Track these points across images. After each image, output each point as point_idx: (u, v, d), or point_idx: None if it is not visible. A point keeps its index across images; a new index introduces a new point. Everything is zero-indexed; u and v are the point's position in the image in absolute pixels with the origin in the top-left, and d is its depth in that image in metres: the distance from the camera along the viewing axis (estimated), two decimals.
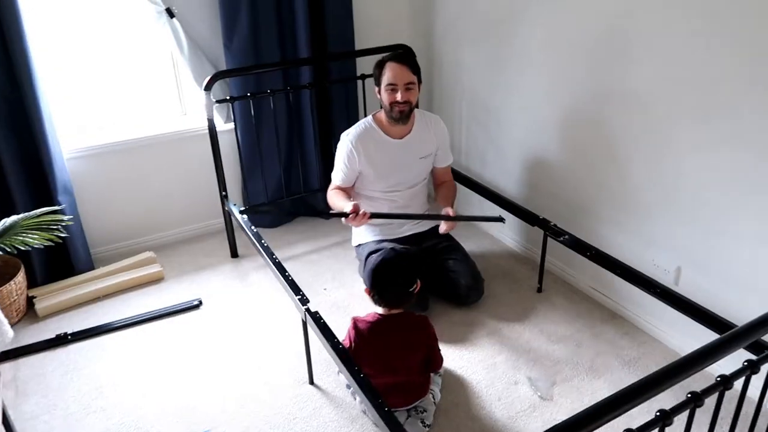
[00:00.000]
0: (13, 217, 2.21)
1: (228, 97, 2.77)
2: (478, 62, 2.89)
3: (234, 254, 2.99)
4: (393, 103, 2.36)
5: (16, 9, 2.28)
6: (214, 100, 2.67)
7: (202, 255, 3.01)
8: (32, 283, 2.65)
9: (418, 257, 1.85)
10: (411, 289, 1.85)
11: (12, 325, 2.44)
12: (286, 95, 2.92)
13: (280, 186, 3.12)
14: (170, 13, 2.66)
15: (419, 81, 2.42)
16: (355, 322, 1.88)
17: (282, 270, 2.22)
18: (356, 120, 2.71)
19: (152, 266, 2.83)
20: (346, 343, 1.86)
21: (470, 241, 2.97)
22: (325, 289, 2.67)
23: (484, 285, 2.53)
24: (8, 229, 2.13)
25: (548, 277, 2.67)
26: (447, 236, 2.60)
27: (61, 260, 2.70)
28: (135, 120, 2.94)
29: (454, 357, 2.23)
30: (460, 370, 2.17)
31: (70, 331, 2.42)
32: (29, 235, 2.15)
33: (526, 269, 2.78)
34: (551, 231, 2.41)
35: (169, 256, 2.97)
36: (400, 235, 2.55)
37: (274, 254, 2.33)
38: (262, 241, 2.44)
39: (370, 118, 2.51)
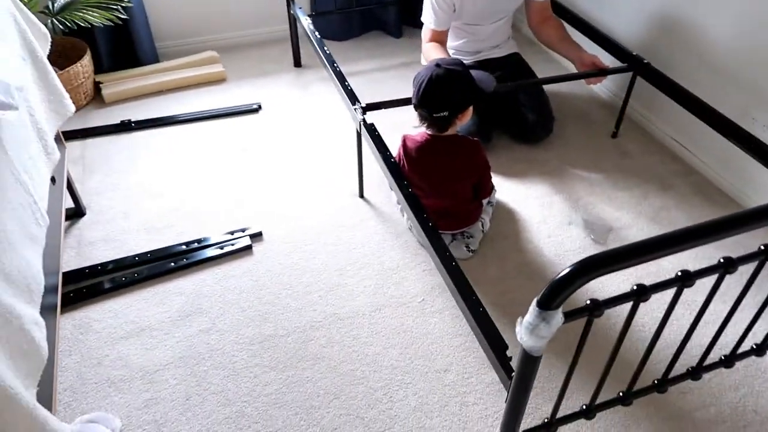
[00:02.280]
0: None
1: None
2: None
3: (297, 63, 2.88)
4: None
5: None
6: None
7: (264, 61, 2.92)
8: (98, 69, 2.66)
9: (472, 81, 1.65)
10: (454, 114, 1.69)
11: (79, 107, 2.50)
12: None
13: None
14: None
15: None
16: (405, 139, 1.79)
17: (342, 79, 2.11)
18: None
19: (215, 66, 2.78)
20: (396, 159, 1.79)
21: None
22: None
23: (554, 124, 2.36)
24: (68, 5, 2.07)
25: (627, 124, 2.45)
26: (522, 66, 2.38)
27: (127, 49, 2.67)
28: None
29: (509, 190, 2.14)
30: (514, 204, 2.09)
31: (134, 119, 2.46)
32: (89, 13, 2.10)
33: (604, 113, 2.56)
34: (643, 69, 2.14)
35: (231, 59, 2.90)
36: (475, 59, 2.34)
37: (335, 63, 2.21)
38: (325, 49, 2.30)
39: None
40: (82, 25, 2.10)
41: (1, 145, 1.22)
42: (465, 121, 1.75)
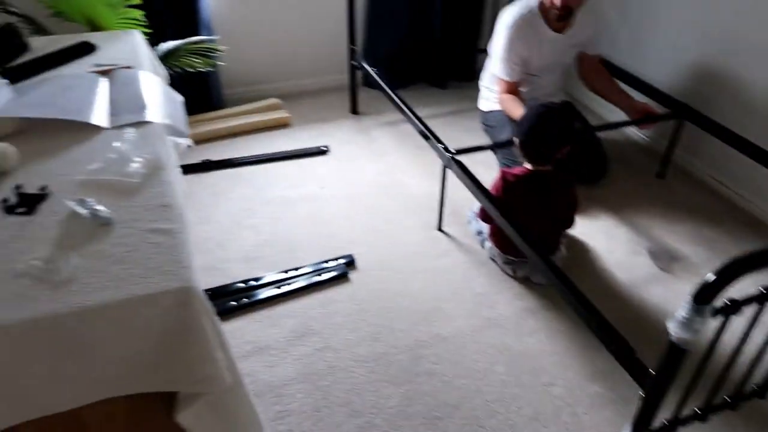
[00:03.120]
0: (175, 42, 2.33)
1: None
2: None
3: (354, 111, 3.08)
4: (552, 5, 2.21)
5: None
6: None
7: (323, 108, 3.12)
8: None
9: (573, 121, 1.86)
10: (557, 150, 1.89)
11: None
12: None
13: (401, 47, 3.14)
14: None
15: None
16: (504, 174, 1.96)
17: (421, 121, 2.30)
18: None
19: (280, 111, 2.96)
20: (492, 192, 1.96)
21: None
22: None
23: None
24: (173, 52, 2.25)
25: (670, 165, 2.68)
26: (575, 112, 2.61)
27: (200, 95, 2.84)
28: None
29: (576, 224, 2.32)
30: (582, 236, 2.26)
31: (212, 159, 2.61)
32: (192, 59, 2.28)
33: (645, 156, 2.79)
34: (692, 114, 2.37)
35: (291, 105, 3.09)
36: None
37: (411, 107, 2.41)
38: (397, 93, 2.51)
39: (535, 5, 2.29)
40: (189, 70, 2.28)
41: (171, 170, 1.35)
42: (564, 157, 1.93)
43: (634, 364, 1.36)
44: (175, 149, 1.40)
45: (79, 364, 0.87)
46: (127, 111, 1.33)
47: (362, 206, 2.39)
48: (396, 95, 2.50)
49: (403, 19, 3.06)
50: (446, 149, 2.10)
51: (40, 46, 1.69)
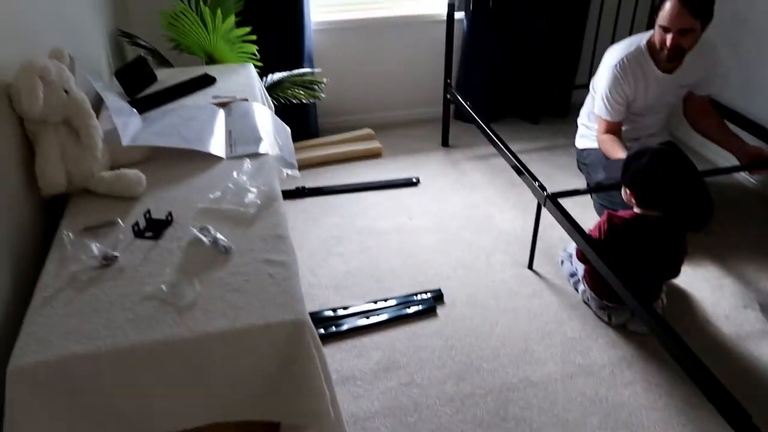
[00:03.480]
0: (282, 74, 2.45)
1: None
2: None
3: (445, 143, 3.10)
4: (662, 45, 2.12)
5: None
6: None
7: (414, 139, 3.16)
8: None
9: (683, 157, 1.77)
10: (675, 193, 1.80)
11: None
12: None
13: (495, 82, 3.14)
14: None
15: (705, 21, 2.05)
16: (611, 216, 1.89)
17: (515, 156, 2.28)
18: (598, 26, 2.57)
19: (372, 142, 3.03)
20: (594, 234, 1.90)
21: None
22: None
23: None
24: (279, 83, 2.37)
25: None
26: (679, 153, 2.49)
27: (297, 123, 2.95)
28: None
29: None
30: (684, 284, 2.14)
31: (306, 186, 2.70)
32: (296, 91, 2.39)
33: (755, 202, 2.61)
34: None
35: (384, 136, 3.15)
36: (633, 145, 2.48)
37: (507, 145, 2.39)
38: (490, 126, 2.50)
39: (643, 41, 2.22)
40: (294, 101, 2.39)
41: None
42: (673, 202, 1.84)
43: (749, 430, 1.26)
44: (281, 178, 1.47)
45: (194, 388, 0.92)
46: (244, 142, 1.41)
47: (451, 240, 2.38)
48: (489, 128, 2.49)
49: (499, 53, 3.06)
50: (542, 187, 2.07)
51: (165, 77, 1.84)
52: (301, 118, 2.95)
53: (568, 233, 1.94)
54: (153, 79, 1.79)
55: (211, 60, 2.11)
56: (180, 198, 1.21)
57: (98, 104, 1.56)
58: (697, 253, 2.30)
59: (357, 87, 3.15)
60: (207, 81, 1.77)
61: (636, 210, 1.87)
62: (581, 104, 2.62)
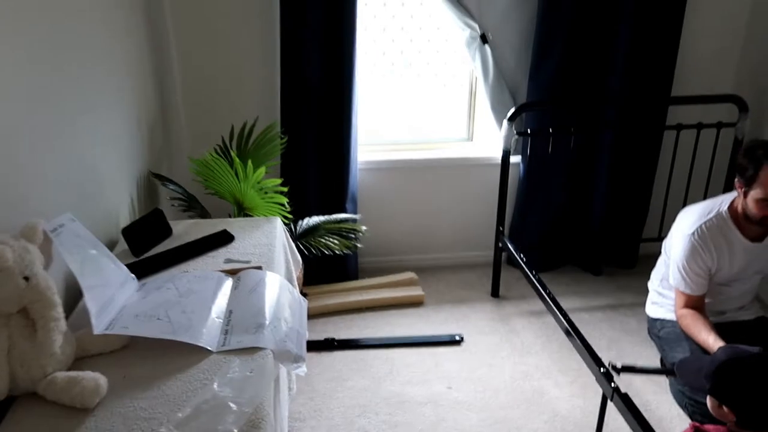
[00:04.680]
0: (316, 218, 2.29)
1: (528, 131, 2.60)
2: None
3: (495, 293, 2.80)
4: (764, 218, 1.86)
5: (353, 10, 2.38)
6: (515, 131, 2.51)
7: (460, 286, 2.88)
8: (306, 279, 2.75)
9: None
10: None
11: None
12: (583, 135, 2.67)
13: (554, 229, 2.88)
14: (484, 39, 2.60)
15: None
16: (698, 431, 1.50)
17: (576, 331, 1.96)
18: (670, 176, 2.32)
19: (414, 288, 2.78)
20: None
21: None
22: None
23: None
24: (312, 230, 2.20)
25: None
26: None
27: (333, 264, 2.76)
28: (422, 138, 2.94)
29: None
30: None
31: (336, 337, 2.44)
32: (330, 240, 2.20)
33: None
34: None
35: (427, 280, 2.90)
36: (718, 320, 2.10)
37: (564, 311, 2.08)
38: (548, 291, 2.20)
39: (725, 208, 1.96)
40: (326, 252, 2.20)
41: (278, 389, 1.15)
42: None
43: None
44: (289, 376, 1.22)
45: None
46: (242, 329, 1.19)
47: (497, 421, 2.02)
48: (546, 292, 2.19)
49: (558, 201, 2.83)
50: (607, 375, 1.72)
51: (182, 230, 1.68)
52: (338, 257, 2.74)
53: None
54: (168, 233, 1.64)
55: (240, 207, 1.97)
56: (142, 414, 0.97)
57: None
58: None
59: (400, 229, 2.96)
60: (224, 239, 1.59)
61: (733, 429, 1.47)
62: (650, 256, 2.29)
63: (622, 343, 2.45)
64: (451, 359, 2.35)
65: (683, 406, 1.98)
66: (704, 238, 1.92)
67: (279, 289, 1.37)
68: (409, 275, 2.86)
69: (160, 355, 1.12)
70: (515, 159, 2.81)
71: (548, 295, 2.18)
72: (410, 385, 2.19)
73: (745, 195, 1.86)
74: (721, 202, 1.99)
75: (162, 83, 2.39)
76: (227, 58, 2.50)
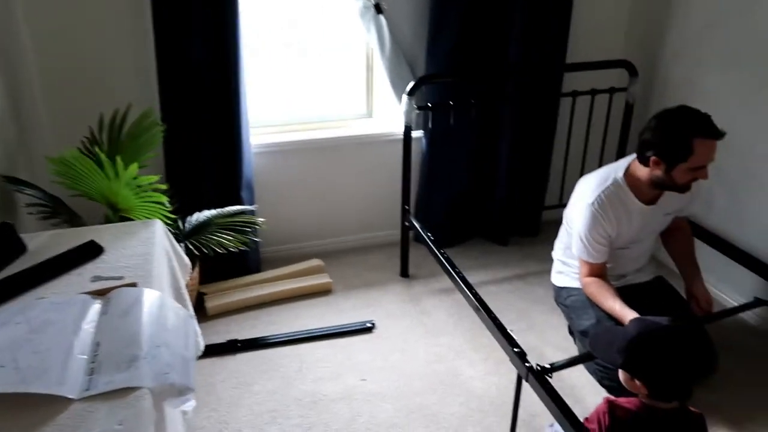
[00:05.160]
0: (206, 213, 2.08)
1: (429, 104, 2.51)
2: (725, 90, 2.42)
3: (404, 273, 2.74)
4: (690, 182, 1.89)
5: None
6: (416, 106, 2.42)
7: (368, 269, 2.78)
8: (203, 277, 2.54)
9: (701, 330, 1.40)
10: (694, 378, 1.44)
11: None
12: (484, 106, 2.63)
13: (459, 202, 2.85)
14: (378, 9, 2.46)
15: None
16: (611, 405, 1.50)
17: (488, 311, 1.92)
18: (568, 142, 2.33)
19: (321, 276, 2.65)
20: (593, 428, 1.50)
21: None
22: None
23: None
24: (202, 227, 2.00)
25: None
26: (671, 292, 2.18)
27: (232, 257, 2.56)
28: (318, 117, 2.78)
29: None
30: None
31: (239, 338, 2.27)
32: (224, 236, 2.01)
33: (761, 343, 2.29)
34: None
35: (334, 266, 2.77)
36: (619, 284, 2.15)
37: (474, 288, 2.04)
38: (456, 269, 2.16)
39: (621, 177, 1.97)
40: (219, 251, 2.00)
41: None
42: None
43: None
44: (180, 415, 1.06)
45: None
46: (112, 366, 1.00)
47: (413, 409, 1.96)
48: (455, 271, 2.14)
49: (462, 174, 2.79)
50: (521, 355, 1.70)
51: (40, 245, 1.44)
52: (238, 252, 2.55)
53: (557, 420, 1.56)
54: (21, 250, 1.39)
55: (116, 210, 1.72)
56: None
57: None
58: (706, 416, 1.93)
59: (302, 214, 2.80)
60: (92, 252, 1.37)
61: (644, 400, 1.48)
62: (552, 222, 2.31)
63: (532, 313, 2.47)
64: (363, 348, 2.26)
65: (592, 372, 2.02)
66: (604, 206, 1.93)
67: (159, 309, 1.19)
68: (315, 262, 2.72)
69: (2, 411, 0.92)
70: (417, 134, 2.73)
71: (457, 273, 2.13)
72: (322, 382, 2.08)
73: (670, 169, 1.85)
74: (617, 169, 2.01)
75: (14, 75, 2.04)
76: (93, 41, 2.20)
